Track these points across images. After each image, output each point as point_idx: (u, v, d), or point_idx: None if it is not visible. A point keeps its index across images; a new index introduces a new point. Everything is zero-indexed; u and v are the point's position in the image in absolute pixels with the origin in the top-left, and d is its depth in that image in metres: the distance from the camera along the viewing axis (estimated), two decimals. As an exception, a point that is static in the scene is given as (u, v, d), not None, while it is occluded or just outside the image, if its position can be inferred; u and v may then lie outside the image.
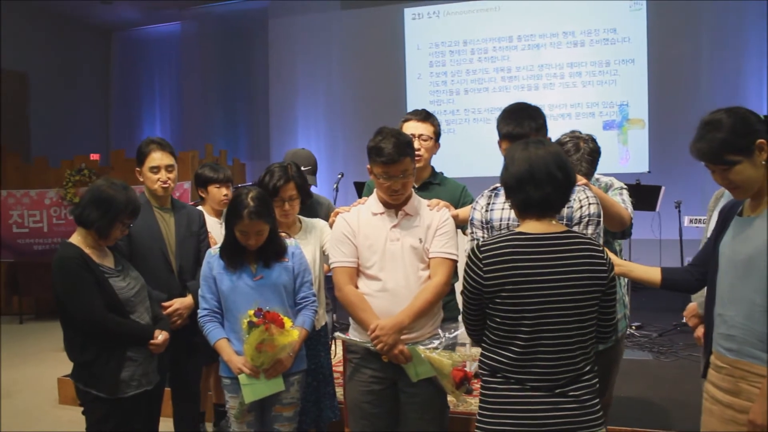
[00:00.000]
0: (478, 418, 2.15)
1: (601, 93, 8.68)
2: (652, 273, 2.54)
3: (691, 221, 5.71)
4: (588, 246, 2.10)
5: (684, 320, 5.71)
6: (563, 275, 2.04)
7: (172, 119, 10.65)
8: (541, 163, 2.07)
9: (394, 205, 2.72)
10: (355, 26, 9.80)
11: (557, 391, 2.05)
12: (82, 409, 2.82)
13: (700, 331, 2.80)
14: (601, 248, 2.13)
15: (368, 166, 2.75)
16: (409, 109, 9.44)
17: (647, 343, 5.51)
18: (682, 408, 4.02)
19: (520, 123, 2.56)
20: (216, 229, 3.76)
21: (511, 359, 2.07)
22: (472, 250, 2.13)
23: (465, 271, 2.14)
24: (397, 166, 2.62)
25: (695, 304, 2.82)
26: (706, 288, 2.40)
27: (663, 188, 5.30)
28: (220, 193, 3.98)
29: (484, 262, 2.07)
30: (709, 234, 2.89)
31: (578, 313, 2.05)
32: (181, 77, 10.67)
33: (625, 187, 3.12)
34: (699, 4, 8.27)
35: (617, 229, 2.90)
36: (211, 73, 10.43)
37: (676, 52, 8.35)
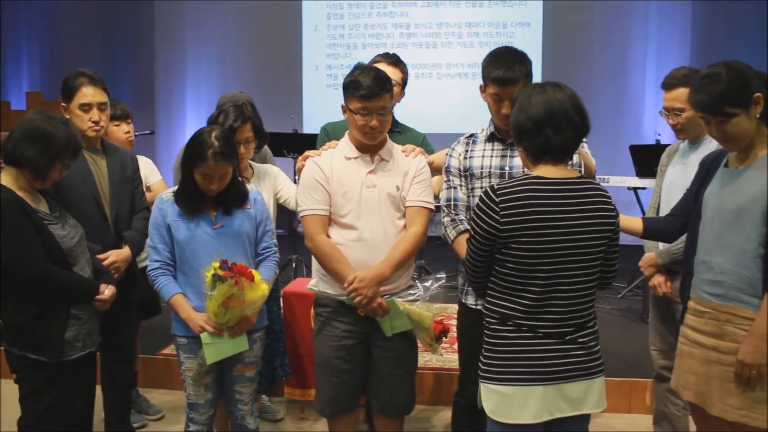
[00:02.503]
0: (484, 367, 2.09)
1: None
2: (634, 222, 2.59)
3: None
4: (600, 192, 2.08)
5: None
6: (580, 221, 2.01)
7: (43, 62, 9.60)
8: (561, 106, 2.01)
9: (370, 148, 2.58)
10: (248, -29, 9.29)
11: (568, 338, 2.04)
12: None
13: (656, 279, 2.92)
14: (609, 195, 2.12)
15: (342, 104, 2.58)
16: (305, 61, 9.27)
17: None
18: (603, 356, 4.21)
19: (511, 67, 2.48)
20: None
21: (525, 306, 2.02)
22: (486, 193, 2.04)
23: (475, 214, 2.05)
24: (376, 102, 2.47)
25: (652, 254, 2.92)
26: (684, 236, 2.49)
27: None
28: (120, 131, 3.51)
29: (501, 205, 1.99)
30: (664, 187, 3.00)
31: (590, 258, 2.04)
32: (53, 17, 9.62)
33: (586, 140, 3.16)
34: (591, -28, 8.59)
35: (585, 180, 2.92)
36: (89, 15, 9.50)
37: (570, 18, 8.61)
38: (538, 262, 1.98)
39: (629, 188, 5.76)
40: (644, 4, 8.50)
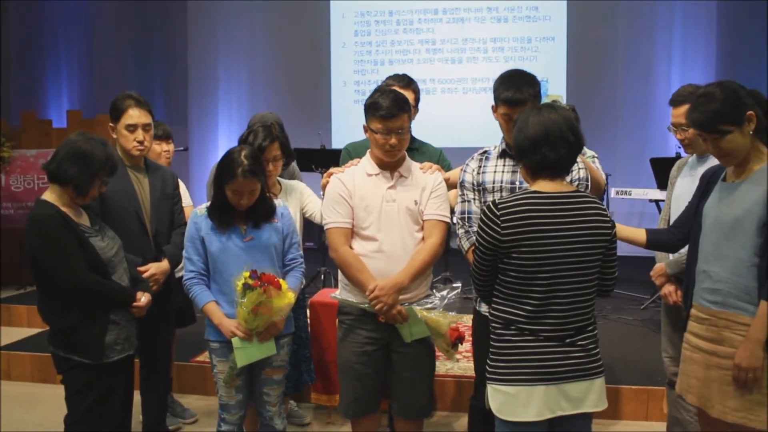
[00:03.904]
0: (490, 369, 2.24)
1: (523, 68, 8.93)
2: (638, 233, 2.72)
3: (617, 193, 6.05)
4: (595, 204, 2.23)
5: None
6: (576, 231, 2.15)
7: (81, 81, 10.01)
8: (555, 126, 2.17)
9: (389, 165, 2.75)
10: (279, -9, 9.57)
11: (567, 341, 2.18)
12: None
13: (666, 288, 3.03)
14: (604, 207, 2.26)
15: (364, 124, 2.76)
16: (334, 77, 9.51)
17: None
18: (623, 365, 4.33)
19: (520, 89, 2.64)
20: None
21: (527, 312, 2.17)
22: (488, 207, 2.20)
23: (480, 227, 2.21)
24: (395, 121, 2.65)
25: (662, 264, 3.03)
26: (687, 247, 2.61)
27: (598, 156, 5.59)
28: (159, 148, 3.79)
29: (502, 218, 2.15)
30: (673, 199, 3.12)
31: (587, 267, 2.18)
32: (90, 37, 10.02)
33: (596, 155, 3.29)
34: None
35: (595, 194, 3.05)
36: (124, 34, 9.88)
37: (594, 33, 8.71)
38: (537, 270, 2.13)
39: (650, 200, 5.84)
40: (668, 17, 8.57)
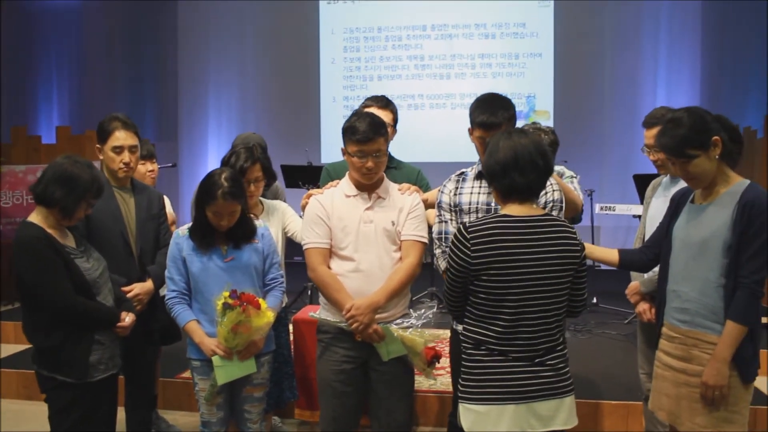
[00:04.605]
0: (462, 388, 2.29)
1: (510, 84, 9.06)
2: (610, 254, 2.78)
3: (602, 209, 6.12)
4: (564, 228, 2.28)
5: (593, 300, 6.23)
6: (544, 254, 2.20)
7: (72, 96, 10.04)
8: (525, 151, 2.22)
9: (367, 187, 2.80)
10: (269, 8, 9.66)
11: (537, 360, 2.23)
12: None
13: (641, 306, 3.09)
14: (574, 230, 2.32)
15: (342, 147, 2.82)
16: (323, 93, 9.58)
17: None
18: (605, 379, 4.37)
19: (495, 113, 2.71)
20: None
21: (497, 332, 2.22)
22: (459, 230, 2.25)
23: (451, 250, 2.26)
24: (371, 145, 2.70)
25: (637, 283, 3.09)
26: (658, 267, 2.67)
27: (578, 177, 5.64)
28: (144, 168, 3.86)
29: (471, 241, 2.20)
30: (647, 218, 3.19)
31: (556, 289, 2.23)
32: (82, 53, 10.08)
33: (576, 176, 3.36)
34: (602, 5, 8.81)
35: (570, 215, 3.12)
36: (115, 51, 9.94)
37: (581, 49, 8.83)
38: (505, 292, 2.19)
39: (634, 216, 5.90)
40: (654, 34, 8.71)
